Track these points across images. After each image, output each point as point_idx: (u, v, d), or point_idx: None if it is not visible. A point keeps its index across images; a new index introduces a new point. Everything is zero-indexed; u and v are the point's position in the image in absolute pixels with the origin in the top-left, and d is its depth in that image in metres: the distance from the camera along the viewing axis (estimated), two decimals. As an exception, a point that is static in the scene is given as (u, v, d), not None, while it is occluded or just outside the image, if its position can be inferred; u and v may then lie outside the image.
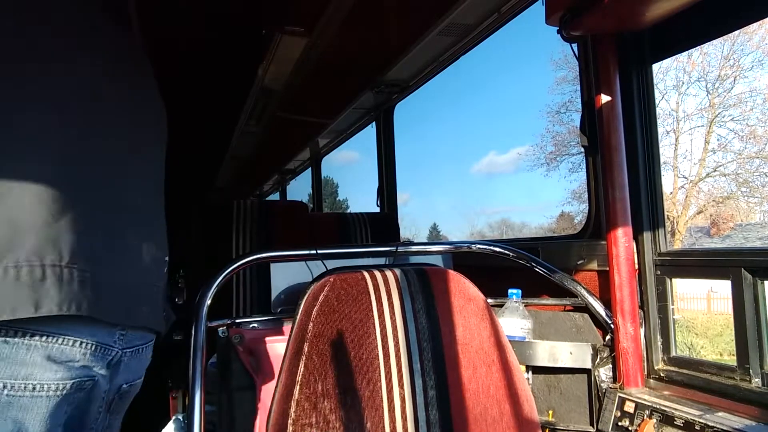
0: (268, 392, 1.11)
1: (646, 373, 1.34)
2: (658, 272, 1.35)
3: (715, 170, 12.34)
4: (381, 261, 1.39)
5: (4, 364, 0.65)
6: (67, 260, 0.68)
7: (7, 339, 0.65)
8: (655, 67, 1.40)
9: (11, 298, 0.63)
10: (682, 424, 1.12)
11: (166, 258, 0.90)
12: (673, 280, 1.34)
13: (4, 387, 0.65)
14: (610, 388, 1.33)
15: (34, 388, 0.67)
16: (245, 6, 2.23)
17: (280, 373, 1.05)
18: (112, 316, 0.74)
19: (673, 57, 1.98)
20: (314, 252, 1.31)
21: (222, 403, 1.24)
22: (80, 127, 0.74)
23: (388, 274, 1.14)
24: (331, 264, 1.22)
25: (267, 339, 1.22)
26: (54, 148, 0.70)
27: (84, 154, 0.74)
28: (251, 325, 1.24)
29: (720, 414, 1.11)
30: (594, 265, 1.52)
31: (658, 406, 1.19)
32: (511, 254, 1.50)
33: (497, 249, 1.50)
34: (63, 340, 0.69)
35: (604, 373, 1.36)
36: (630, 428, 1.23)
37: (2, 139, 0.67)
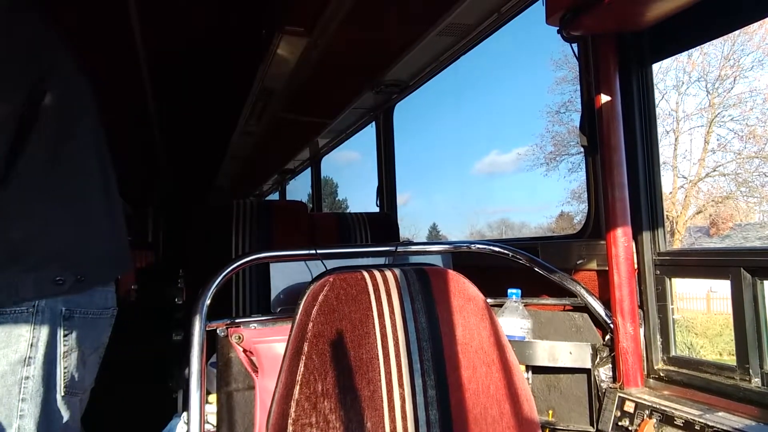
0: (267, 392, 1.11)
1: (645, 372, 1.34)
2: (658, 272, 1.35)
3: (714, 170, 12.31)
4: (381, 261, 1.39)
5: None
6: None
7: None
8: (655, 67, 1.40)
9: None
10: (681, 424, 1.13)
11: None
12: (673, 279, 1.34)
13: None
14: (610, 387, 1.33)
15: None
16: (245, 6, 2.23)
17: (280, 373, 1.05)
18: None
19: (673, 57, 1.97)
20: (314, 252, 1.30)
21: (222, 403, 1.24)
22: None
23: (388, 274, 1.14)
24: (331, 264, 1.22)
25: (267, 339, 1.22)
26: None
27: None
28: (251, 325, 1.24)
29: (720, 414, 1.12)
30: (593, 265, 1.52)
31: (657, 406, 1.19)
32: (510, 254, 1.50)
33: (497, 249, 1.50)
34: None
35: (604, 373, 1.36)
36: (630, 428, 1.23)
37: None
